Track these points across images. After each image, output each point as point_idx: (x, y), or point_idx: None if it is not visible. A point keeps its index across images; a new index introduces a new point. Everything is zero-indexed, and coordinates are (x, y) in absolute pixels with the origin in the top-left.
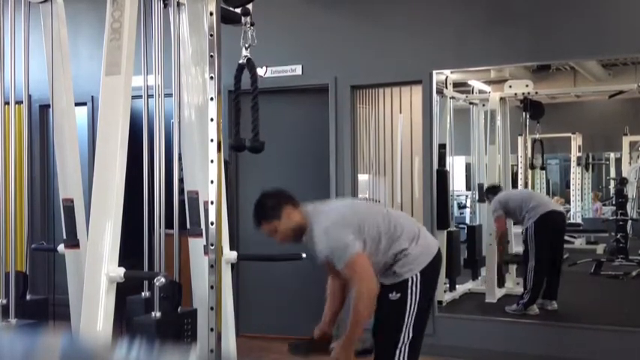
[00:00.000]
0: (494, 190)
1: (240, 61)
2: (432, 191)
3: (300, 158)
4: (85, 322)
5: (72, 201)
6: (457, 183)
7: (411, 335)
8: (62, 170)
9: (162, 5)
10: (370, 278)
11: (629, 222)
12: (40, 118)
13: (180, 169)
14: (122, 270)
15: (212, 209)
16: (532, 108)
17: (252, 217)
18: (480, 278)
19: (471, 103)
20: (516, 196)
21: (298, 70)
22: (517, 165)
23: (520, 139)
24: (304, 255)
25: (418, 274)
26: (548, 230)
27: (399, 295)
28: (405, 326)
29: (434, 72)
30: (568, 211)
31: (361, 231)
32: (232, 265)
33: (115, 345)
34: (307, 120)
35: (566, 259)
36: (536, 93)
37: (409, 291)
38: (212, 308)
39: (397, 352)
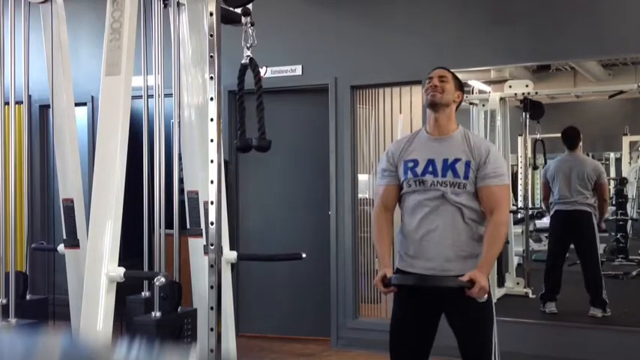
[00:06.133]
0: None
1: (243, 61)
2: None
3: (300, 158)
4: (85, 322)
5: (72, 201)
6: None
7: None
8: (62, 170)
9: (162, 5)
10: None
11: (629, 222)
12: (40, 118)
13: (180, 169)
14: (122, 270)
15: (212, 209)
16: (532, 108)
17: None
18: None
19: (470, 104)
20: None
21: (298, 70)
22: (517, 165)
23: (520, 139)
24: (304, 255)
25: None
26: None
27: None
28: (494, 342)
29: None
30: None
31: None
32: (232, 265)
33: (115, 345)
34: (307, 120)
35: (567, 258)
36: (536, 93)
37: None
38: (212, 308)
39: None
